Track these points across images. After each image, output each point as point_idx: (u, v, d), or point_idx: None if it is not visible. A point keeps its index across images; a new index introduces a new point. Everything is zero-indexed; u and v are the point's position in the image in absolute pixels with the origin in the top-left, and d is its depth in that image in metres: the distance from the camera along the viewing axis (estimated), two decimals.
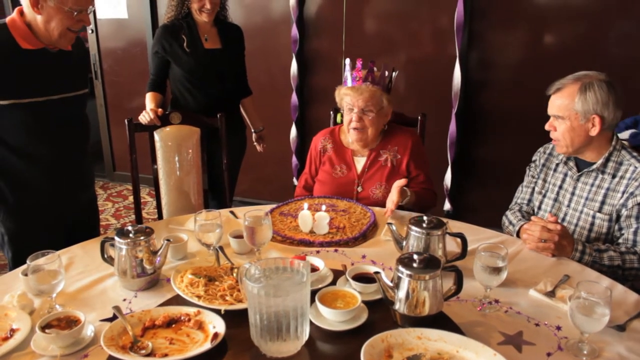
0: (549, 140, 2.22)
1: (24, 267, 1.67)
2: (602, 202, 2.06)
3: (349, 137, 2.55)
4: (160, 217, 2.86)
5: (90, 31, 5.04)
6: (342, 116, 2.59)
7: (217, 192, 3.11)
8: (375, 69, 2.45)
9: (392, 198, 2.25)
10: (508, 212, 2.33)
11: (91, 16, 2.18)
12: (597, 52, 3.46)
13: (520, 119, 3.69)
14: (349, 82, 2.46)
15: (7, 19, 2.09)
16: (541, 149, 2.34)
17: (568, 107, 2.03)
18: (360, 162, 2.59)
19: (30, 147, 2.16)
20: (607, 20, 3.40)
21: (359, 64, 2.42)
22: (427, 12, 3.79)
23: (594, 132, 2.01)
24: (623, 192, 2.02)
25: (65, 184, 2.29)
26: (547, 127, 2.12)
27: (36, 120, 2.13)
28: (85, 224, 2.47)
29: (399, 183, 2.27)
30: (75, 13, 2.03)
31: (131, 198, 5.02)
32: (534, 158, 2.36)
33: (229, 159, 2.94)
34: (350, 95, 2.45)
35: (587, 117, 2.00)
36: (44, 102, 2.13)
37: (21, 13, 2.08)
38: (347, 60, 2.46)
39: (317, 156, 2.68)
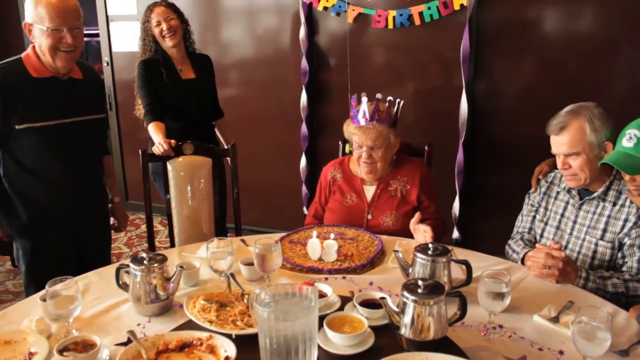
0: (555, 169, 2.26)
1: (42, 292, 1.73)
2: (604, 230, 2.10)
3: (360, 169, 2.61)
4: (172, 245, 2.91)
5: (105, 64, 5.18)
6: (350, 146, 2.65)
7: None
8: (380, 105, 2.50)
9: (424, 231, 2.30)
10: (510, 242, 2.37)
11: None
12: (604, 81, 3.51)
13: (526, 148, 3.72)
14: (356, 120, 2.53)
15: (23, 54, 2.30)
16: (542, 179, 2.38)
17: (581, 141, 2.05)
18: (369, 191, 2.64)
19: (43, 167, 2.33)
20: (613, 50, 3.44)
21: (364, 100, 2.47)
22: (434, 43, 3.87)
23: None
24: (624, 220, 2.06)
25: (76, 204, 2.44)
26: (560, 166, 2.13)
27: (48, 142, 2.31)
28: (97, 244, 2.64)
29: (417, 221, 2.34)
30: (50, 30, 2.18)
31: (144, 227, 5.07)
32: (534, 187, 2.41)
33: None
34: (357, 135, 2.51)
35: (601, 146, 2.05)
36: (55, 125, 2.31)
37: (35, 47, 2.28)
38: (353, 97, 2.53)
39: (327, 186, 2.74)
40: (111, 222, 2.76)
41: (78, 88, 2.40)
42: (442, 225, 2.60)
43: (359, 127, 2.51)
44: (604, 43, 3.46)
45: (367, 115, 2.48)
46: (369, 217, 2.59)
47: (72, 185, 2.41)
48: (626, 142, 1.87)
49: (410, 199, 2.59)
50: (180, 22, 3.24)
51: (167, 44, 3.21)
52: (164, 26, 3.16)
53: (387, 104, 2.49)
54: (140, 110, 3.35)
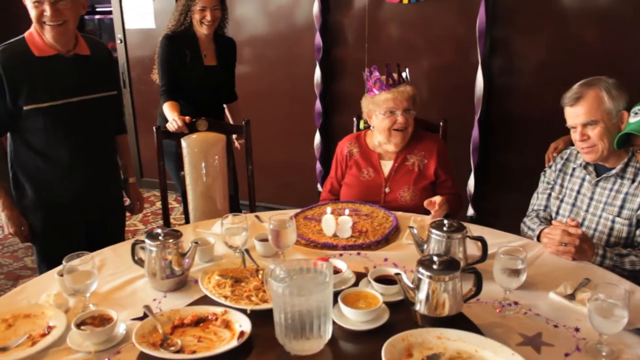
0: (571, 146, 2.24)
1: (59, 267, 1.75)
2: (621, 207, 2.08)
3: (391, 140, 2.59)
4: (187, 222, 2.93)
5: (119, 41, 5.17)
6: (365, 123, 2.64)
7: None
8: (393, 73, 2.51)
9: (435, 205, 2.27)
10: (526, 219, 2.35)
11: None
12: (623, 57, 3.44)
13: (542, 125, 3.68)
14: (377, 89, 2.52)
15: (26, 33, 2.26)
16: (557, 155, 2.37)
17: (599, 109, 2.05)
18: (387, 166, 2.64)
19: (51, 149, 2.30)
20: (633, 25, 3.37)
21: (375, 71, 2.51)
22: (450, 18, 3.82)
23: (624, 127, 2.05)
24: None
25: (85, 185, 2.41)
26: (578, 137, 2.10)
27: (56, 122, 2.28)
28: (108, 225, 2.60)
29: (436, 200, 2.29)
30: (33, 2, 2.14)
31: (158, 204, 5.11)
32: (550, 164, 2.38)
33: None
34: (390, 100, 2.50)
35: (618, 114, 2.05)
36: (63, 105, 2.27)
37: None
38: (367, 70, 2.54)
39: (343, 160, 2.73)
40: (126, 203, 2.74)
41: (86, 65, 2.35)
42: (458, 200, 2.59)
43: (391, 92, 2.51)
44: (623, 18, 3.39)
45: (393, 80, 2.49)
46: (387, 190, 2.58)
47: (81, 166, 2.37)
48: (633, 118, 1.93)
49: (427, 173, 2.58)
50: (221, 11, 3.19)
51: (203, 30, 3.15)
52: (208, 15, 3.08)
53: (396, 71, 2.52)
54: (156, 74, 3.32)
